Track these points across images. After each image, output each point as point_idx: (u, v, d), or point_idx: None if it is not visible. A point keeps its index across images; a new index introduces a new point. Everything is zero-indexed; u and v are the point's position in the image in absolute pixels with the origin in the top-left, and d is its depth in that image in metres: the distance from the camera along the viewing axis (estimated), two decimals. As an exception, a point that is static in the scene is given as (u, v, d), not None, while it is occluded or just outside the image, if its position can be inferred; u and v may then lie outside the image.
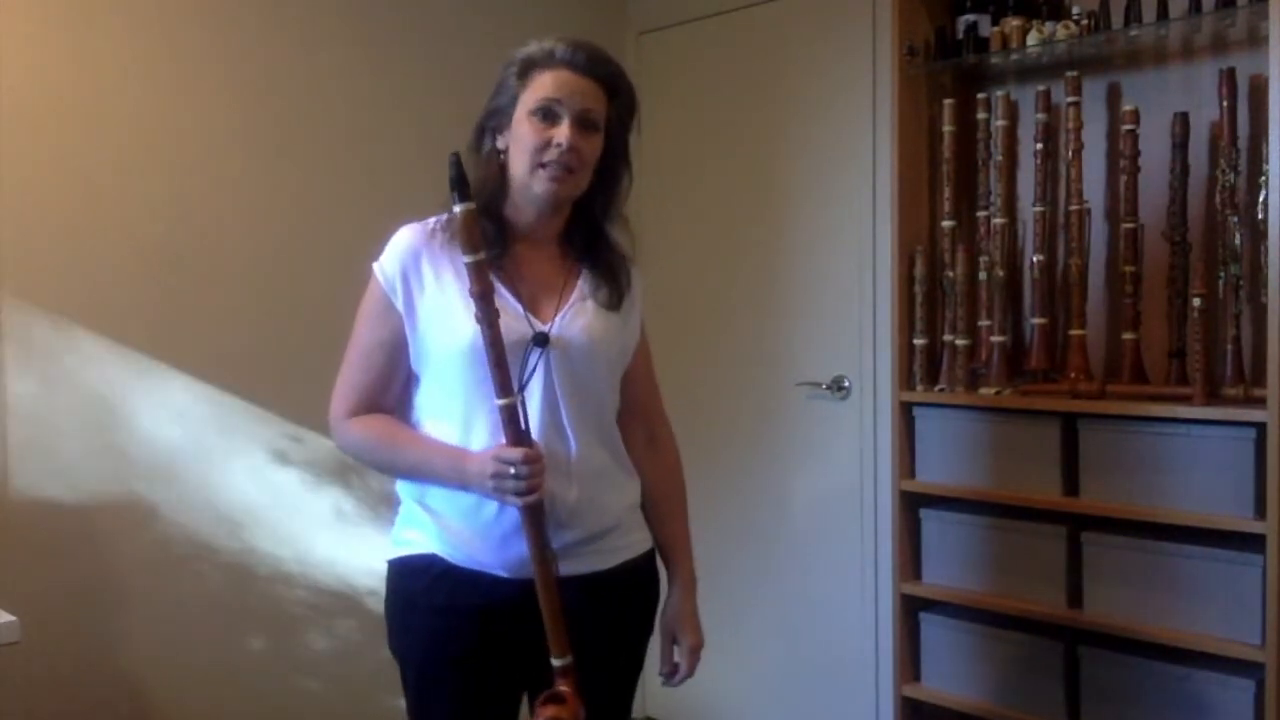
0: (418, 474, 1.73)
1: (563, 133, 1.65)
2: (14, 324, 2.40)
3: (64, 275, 2.46)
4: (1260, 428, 2.09)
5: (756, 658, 3.25)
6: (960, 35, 2.58)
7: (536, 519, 1.63)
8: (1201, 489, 2.18)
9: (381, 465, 1.79)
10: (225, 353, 2.68)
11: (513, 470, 1.58)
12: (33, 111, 2.42)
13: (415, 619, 1.75)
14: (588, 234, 1.78)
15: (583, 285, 1.76)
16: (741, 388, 3.26)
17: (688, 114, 3.38)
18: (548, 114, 1.66)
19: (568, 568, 1.70)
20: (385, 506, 2.90)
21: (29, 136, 2.41)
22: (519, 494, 1.59)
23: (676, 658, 1.88)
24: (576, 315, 1.71)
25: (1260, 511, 2.10)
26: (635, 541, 1.82)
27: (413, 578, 1.75)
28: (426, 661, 1.75)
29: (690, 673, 1.88)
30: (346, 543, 2.89)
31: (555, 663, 1.65)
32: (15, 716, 2.35)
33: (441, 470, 1.69)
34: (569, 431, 1.70)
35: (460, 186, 1.57)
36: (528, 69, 1.70)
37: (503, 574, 1.70)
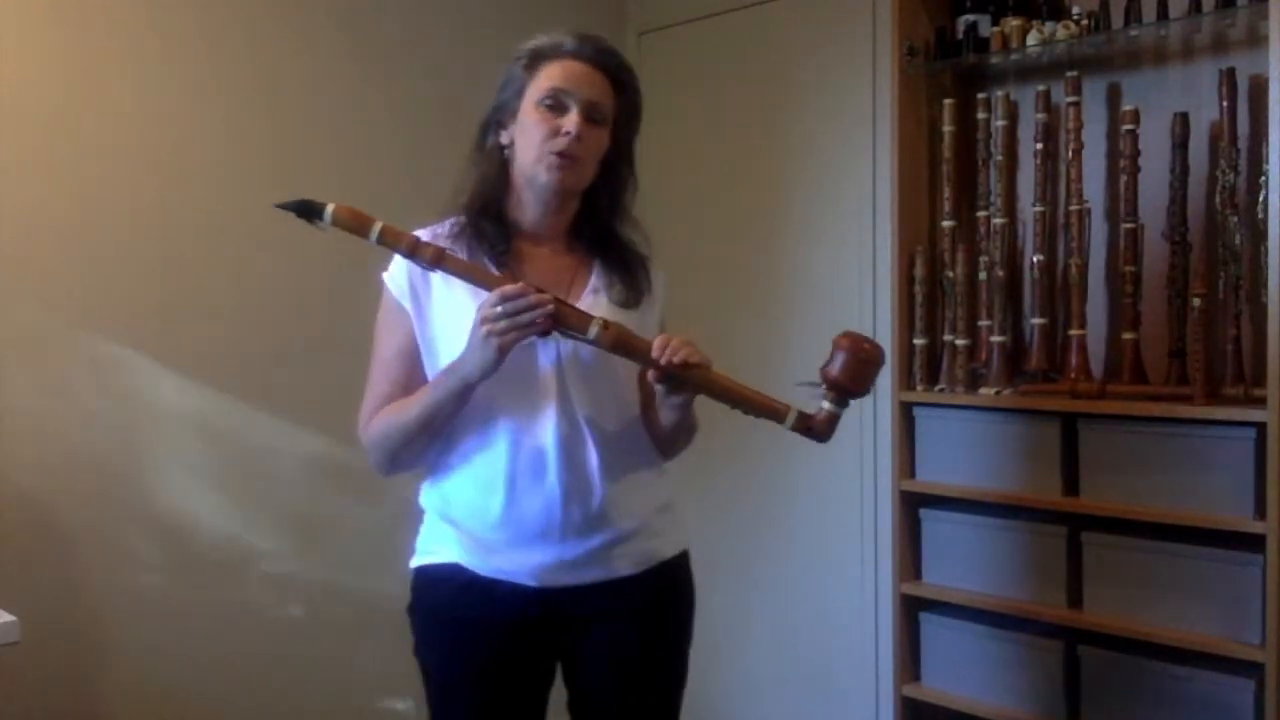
0: (428, 415, 1.63)
1: (571, 120, 1.64)
2: (11, 323, 2.40)
3: (61, 274, 2.46)
4: (1260, 428, 2.09)
5: (756, 658, 3.25)
6: (960, 35, 2.58)
7: (621, 342, 1.56)
8: (1201, 489, 2.18)
9: (402, 440, 1.67)
10: (222, 352, 2.68)
11: (499, 310, 1.51)
12: (29, 113, 2.41)
13: (437, 630, 1.73)
14: (596, 230, 1.76)
15: (594, 280, 1.73)
16: (741, 388, 3.25)
17: (687, 114, 3.38)
18: (556, 103, 1.65)
19: (593, 573, 1.68)
20: (385, 506, 2.90)
21: (25, 137, 2.41)
22: (520, 326, 1.51)
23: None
24: (587, 310, 1.65)
25: (1260, 511, 2.10)
26: (665, 544, 1.77)
27: (436, 588, 1.73)
28: (448, 673, 1.72)
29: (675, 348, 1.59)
30: (348, 543, 2.89)
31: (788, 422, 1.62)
32: (15, 716, 2.35)
33: (442, 387, 1.60)
34: (587, 433, 1.66)
35: (307, 209, 1.58)
36: (536, 60, 1.69)
37: (530, 583, 1.67)
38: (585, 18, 3.34)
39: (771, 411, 1.63)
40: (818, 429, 1.63)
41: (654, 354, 1.58)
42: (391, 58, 2.98)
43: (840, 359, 1.62)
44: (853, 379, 1.62)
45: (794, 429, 1.63)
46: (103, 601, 2.52)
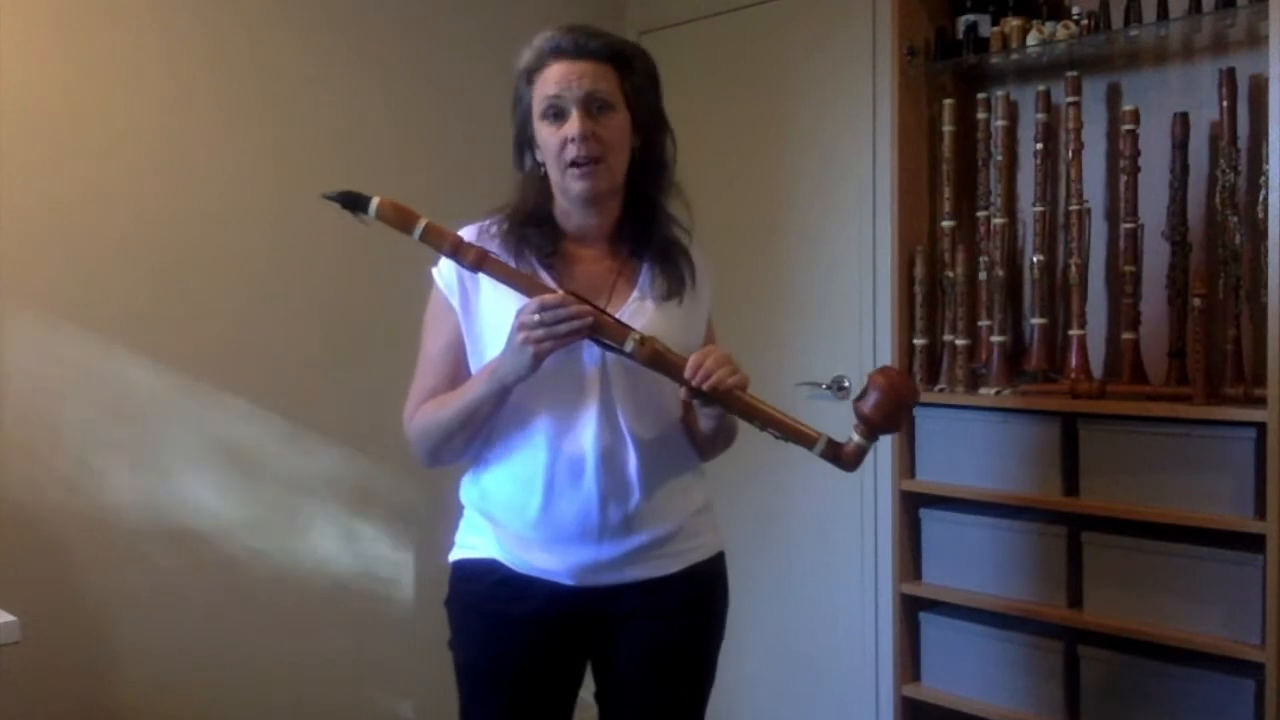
0: (466, 413, 1.64)
1: (572, 126, 1.63)
2: (12, 324, 2.40)
3: (62, 275, 2.46)
4: (1260, 428, 2.09)
5: (757, 658, 3.25)
6: (960, 35, 2.58)
7: (656, 359, 1.56)
8: (1201, 489, 2.18)
9: (442, 436, 1.68)
10: (224, 353, 2.68)
11: (537, 318, 1.52)
12: (30, 114, 2.42)
13: (473, 622, 1.74)
14: (641, 223, 1.74)
15: (641, 282, 1.72)
16: (741, 388, 3.25)
17: (687, 115, 3.35)
18: (556, 112, 1.65)
19: (630, 573, 1.69)
20: (389, 509, 2.90)
21: (26, 138, 2.41)
22: (557, 336, 1.52)
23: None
24: (633, 316, 1.66)
25: (1260, 511, 2.10)
26: (701, 545, 1.79)
27: (472, 582, 1.74)
28: (480, 667, 1.73)
29: (710, 367, 1.60)
30: (350, 544, 2.89)
31: (817, 449, 1.64)
32: (15, 716, 2.35)
33: (480, 386, 1.62)
34: (628, 437, 1.67)
35: (353, 201, 1.55)
36: (530, 74, 1.68)
37: (567, 582, 1.68)
38: (585, 17, 3.33)
39: (802, 437, 1.65)
40: (845, 459, 1.66)
41: (686, 374, 1.59)
42: (391, 57, 2.98)
43: (874, 397, 1.64)
44: (886, 418, 1.65)
45: (822, 456, 1.65)
46: (103, 601, 2.52)
